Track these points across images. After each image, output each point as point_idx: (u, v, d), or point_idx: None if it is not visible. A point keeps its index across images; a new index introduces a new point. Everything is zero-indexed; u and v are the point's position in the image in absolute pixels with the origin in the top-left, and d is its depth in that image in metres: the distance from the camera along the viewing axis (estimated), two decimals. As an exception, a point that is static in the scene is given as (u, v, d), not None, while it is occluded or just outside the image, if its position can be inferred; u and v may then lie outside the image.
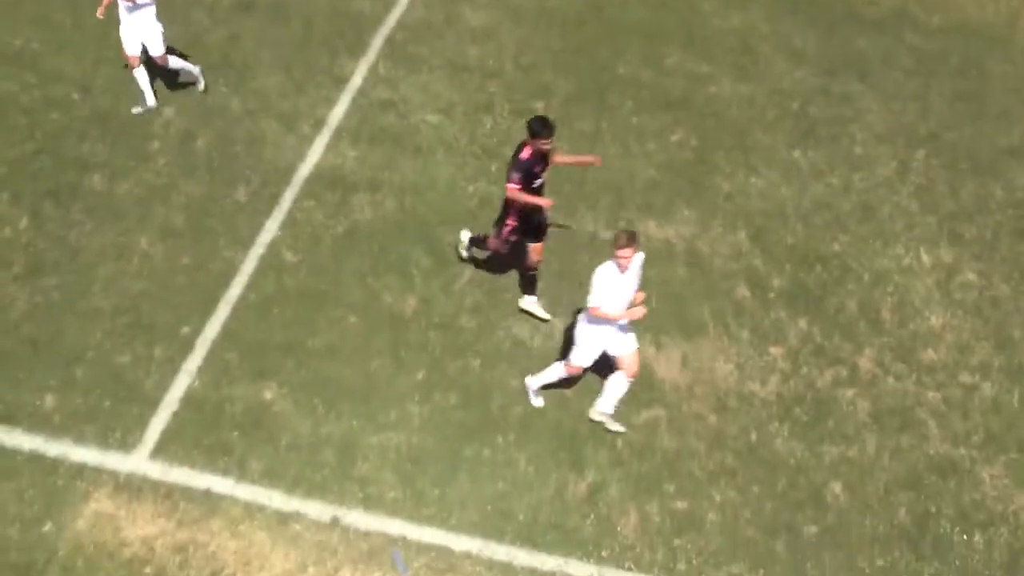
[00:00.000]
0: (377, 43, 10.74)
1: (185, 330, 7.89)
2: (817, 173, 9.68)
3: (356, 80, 10.29)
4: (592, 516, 7.00)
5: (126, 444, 7.15)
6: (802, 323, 8.30)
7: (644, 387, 7.74)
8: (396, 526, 6.85)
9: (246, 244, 8.56)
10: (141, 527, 6.71)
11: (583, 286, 8.31)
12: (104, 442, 7.15)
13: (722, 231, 9.03)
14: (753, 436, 7.53)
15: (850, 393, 7.83)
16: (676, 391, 7.78)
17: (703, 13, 11.66)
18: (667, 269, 8.63)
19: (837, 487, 7.25)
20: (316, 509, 6.90)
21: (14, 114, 9.55)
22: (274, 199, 8.97)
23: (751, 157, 9.79)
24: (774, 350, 8.10)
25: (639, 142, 9.87)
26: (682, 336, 8.16)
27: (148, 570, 6.51)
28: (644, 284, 8.35)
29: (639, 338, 8.01)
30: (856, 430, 7.60)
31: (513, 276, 8.43)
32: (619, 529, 6.94)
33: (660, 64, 10.83)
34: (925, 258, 8.94)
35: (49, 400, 7.37)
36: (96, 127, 9.52)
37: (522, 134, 9.67)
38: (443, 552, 6.75)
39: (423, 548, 6.76)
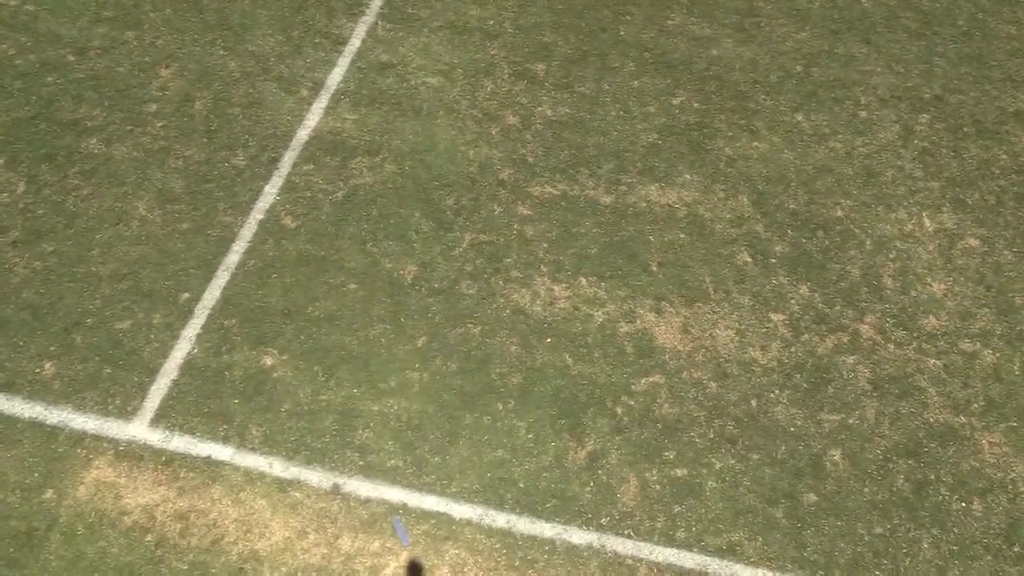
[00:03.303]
0: (376, 3, 10.58)
1: (184, 296, 7.86)
2: (820, 137, 9.58)
3: (355, 42, 10.15)
4: (592, 484, 7.02)
5: (126, 411, 7.16)
6: (803, 289, 8.27)
7: (644, 354, 7.74)
8: (397, 493, 6.88)
9: (245, 209, 8.50)
10: (142, 495, 6.74)
11: (583, 253, 8.32)
12: (104, 409, 7.16)
13: (724, 196, 8.96)
14: (753, 403, 7.54)
15: (851, 360, 7.82)
16: (676, 358, 7.77)
17: (707, -28, 11.46)
18: (668, 234, 8.58)
19: (836, 455, 7.26)
20: (316, 476, 6.92)
21: (9, 78, 9.44)
22: (273, 163, 8.90)
23: (753, 120, 9.69)
24: (775, 317, 8.08)
25: (640, 105, 9.76)
26: (683, 302, 8.13)
27: (149, 538, 6.55)
28: (647, 249, 8.36)
29: (640, 304, 8.01)
30: (856, 397, 7.60)
31: (515, 241, 8.38)
32: (619, 496, 6.97)
33: (662, 25, 10.68)
34: (928, 223, 8.88)
35: (49, 367, 7.37)
36: (92, 90, 9.41)
37: (523, 96, 9.64)
38: (443, 519, 6.79)
39: (423, 515, 6.80)
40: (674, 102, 9.82)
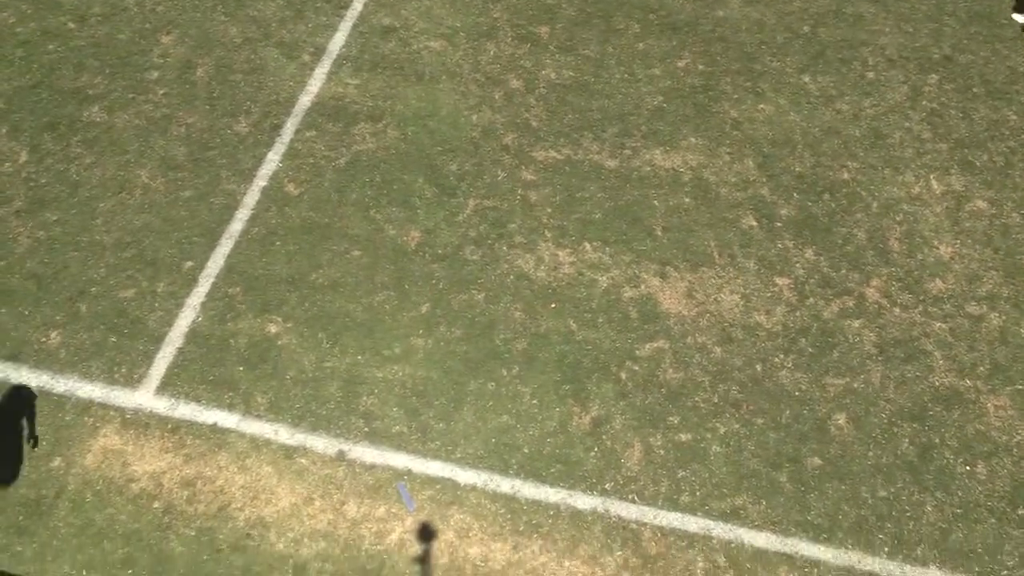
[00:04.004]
0: (377, -34, 10.47)
1: (188, 264, 7.86)
2: (827, 99, 9.47)
3: (356, 6, 10.05)
4: (596, 449, 7.05)
5: (132, 380, 7.20)
6: (809, 253, 8.22)
7: (649, 319, 7.72)
8: (401, 459, 6.92)
9: (248, 176, 8.47)
10: (149, 462, 6.79)
11: (588, 218, 8.27)
12: (110, 378, 7.20)
13: (729, 159, 8.88)
14: (758, 368, 7.53)
15: (856, 324, 7.79)
16: (681, 323, 7.75)
17: (713, -69, 11.29)
18: (673, 198, 8.52)
19: (841, 419, 7.26)
20: (322, 443, 6.96)
21: (10, 46, 9.39)
22: (275, 130, 8.85)
23: (759, 82, 9.58)
24: (780, 280, 8.04)
25: (645, 67, 9.65)
26: (688, 267, 8.10)
27: (157, 505, 6.61)
28: (651, 214, 8.31)
29: (644, 269, 7.98)
30: (861, 361, 7.58)
31: (519, 207, 8.34)
32: (623, 462, 6.99)
33: (668, -14, 10.54)
34: (935, 186, 8.80)
35: (54, 336, 7.40)
36: (94, 58, 9.35)
37: (527, 60, 9.55)
38: (448, 485, 6.82)
39: (428, 481, 6.84)
40: (679, 64, 9.72)
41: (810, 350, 7.64)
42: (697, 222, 8.40)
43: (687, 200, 8.56)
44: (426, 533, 6.61)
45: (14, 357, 7.25)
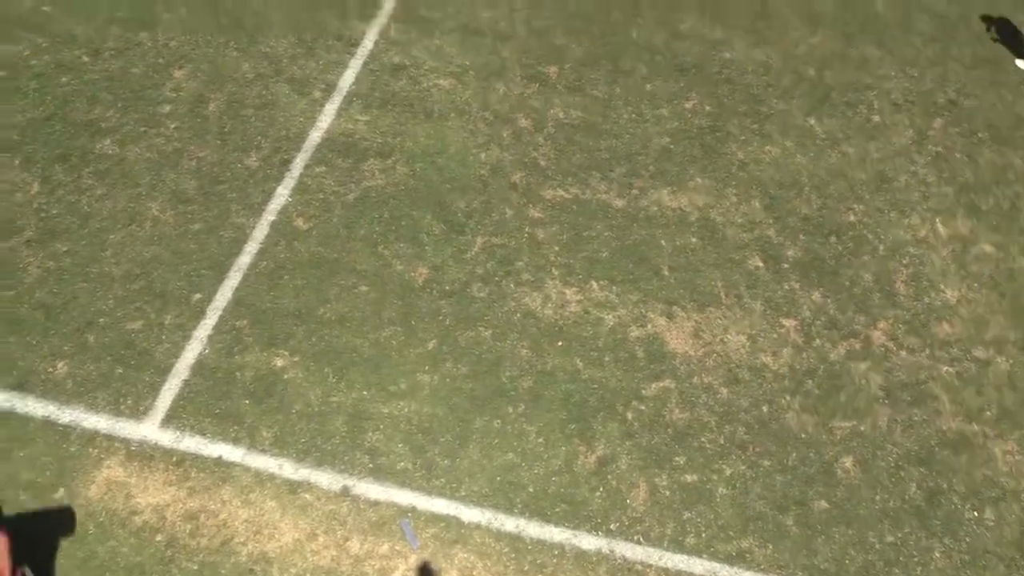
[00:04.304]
0: (388, 5, 10.59)
1: (196, 297, 7.88)
2: (833, 141, 9.55)
3: (367, 44, 10.16)
4: (601, 489, 7.01)
5: (138, 411, 7.19)
6: (816, 295, 8.24)
7: (655, 358, 7.72)
8: (406, 496, 6.88)
9: (257, 210, 8.52)
10: (152, 495, 6.76)
11: (595, 256, 8.31)
12: (116, 409, 7.19)
13: (736, 200, 8.93)
14: (765, 409, 7.51)
15: (863, 367, 7.78)
16: (687, 363, 7.75)
17: (720, -25, 11.45)
18: (680, 238, 8.56)
19: (848, 462, 7.23)
20: (326, 479, 6.93)
21: (25, 79, 9.48)
22: (285, 165, 8.91)
23: (766, 124, 9.66)
24: (787, 322, 8.05)
25: (653, 108, 9.74)
26: (694, 307, 8.11)
27: (159, 538, 6.57)
28: (658, 254, 8.34)
29: (651, 308, 7.99)
30: (868, 404, 7.57)
31: (526, 244, 8.38)
32: (628, 502, 6.96)
33: (675, 28, 10.66)
34: (941, 229, 8.83)
35: (61, 366, 7.40)
36: (107, 91, 9.45)
37: (535, 99, 9.64)
38: (453, 523, 6.78)
39: (433, 519, 6.80)
40: (686, 106, 9.80)
41: (817, 392, 7.63)
42: (704, 262, 8.43)
43: (694, 240, 8.60)
44: (429, 573, 6.56)
45: (21, 386, 7.25)
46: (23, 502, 6.64)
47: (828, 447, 7.31)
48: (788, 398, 7.58)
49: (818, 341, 7.95)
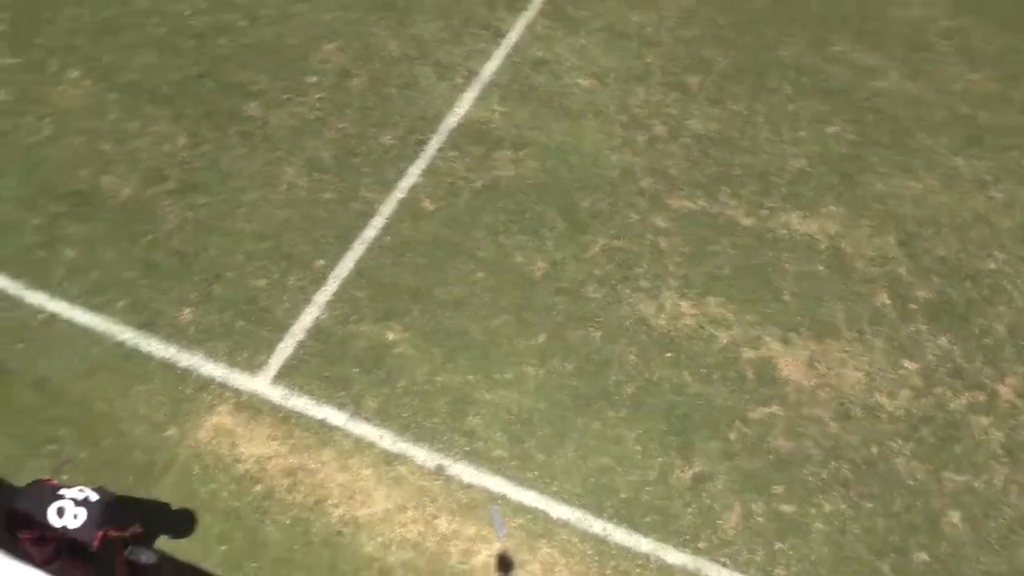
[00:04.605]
0: (537, 0, 10.64)
1: (320, 263, 8.10)
2: (980, 184, 9.15)
3: (512, 36, 10.25)
4: (694, 505, 6.90)
5: (252, 365, 7.43)
6: (943, 340, 7.91)
7: (765, 382, 7.55)
8: (498, 483, 6.91)
9: (388, 187, 8.69)
10: (256, 446, 6.98)
11: (716, 272, 8.18)
12: (232, 360, 7.44)
13: (869, 232, 8.65)
14: (874, 450, 7.26)
15: (984, 421, 7.43)
16: (798, 392, 7.55)
17: (881, 1, 11.10)
18: (806, 264, 8.34)
19: (956, 517, 6.92)
20: (422, 455, 7.02)
21: (184, 37, 9.91)
22: (420, 146, 9.06)
23: (910, 159, 9.33)
24: (909, 364, 7.75)
25: (793, 129, 9.52)
26: (812, 336, 7.89)
27: (258, 488, 6.78)
28: (781, 277, 8.15)
29: (767, 332, 7.82)
30: (985, 460, 7.22)
31: (648, 251, 8.31)
32: (720, 523, 6.82)
33: (826, 50, 10.39)
34: (1087, 289, 8.37)
35: (187, 313, 7.71)
36: (259, 56, 9.79)
37: (674, 108, 9.55)
38: (540, 517, 6.78)
39: (522, 509, 6.81)
40: (828, 130, 9.55)
41: (931, 440, 7.33)
42: (828, 292, 8.19)
43: (820, 268, 8.37)
44: (511, 562, 6.57)
45: (148, 326, 7.59)
46: (137, 436, 6.94)
47: (937, 498, 7.02)
48: (900, 442, 7.30)
49: (940, 388, 7.63)
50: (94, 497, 5.73)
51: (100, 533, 5.68)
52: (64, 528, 5.63)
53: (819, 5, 10.91)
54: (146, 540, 6.37)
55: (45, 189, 8.46)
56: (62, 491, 5.73)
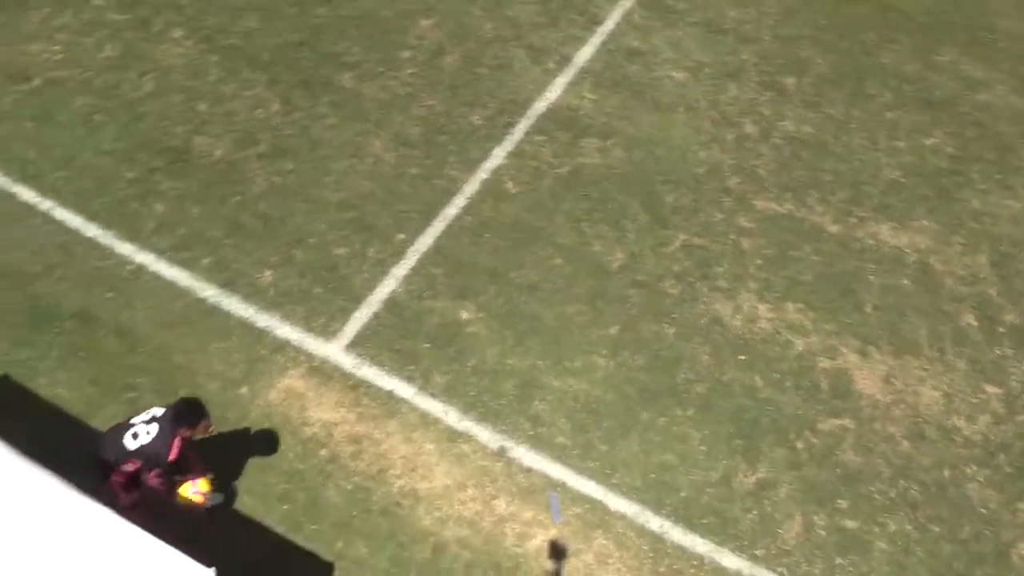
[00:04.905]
0: (638, -11, 10.55)
1: (400, 237, 8.17)
2: (1084, 209, 8.81)
3: (609, 24, 10.16)
4: (755, 512, 6.81)
5: (327, 331, 7.54)
6: (1029, 367, 7.66)
7: (839, 394, 7.40)
8: (559, 471, 6.92)
9: (472, 166, 8.72)
10: (325, 411, 7.10)
11: (797, 278, 8.02)
12: (308, 325, 7.57)
13: (961, 250, 8.39)
14: (946, 473, 7.06)
15: (1066, 454, 7.19)
16: (872, 406, 7.38)
17: (992, 12, 10.73)
18: (892, 278, 8.14)
19: (1028, 549, 6.72)
20: (486, 435, 7.06)
21: (286, 4, 10.06)
22: (507, 128, 9.07)
23: (1011, 177, 9.01)
24: (991, 389, 7.52)
25: (889, 138, 9.27)
26: (892, 351, 7.70)
27: (323, 452, 6.89)
28: (865, 288, 7.96)
29: (845, 343, 7.66)
30: (1064, 494, 6.99)
31: (729, 251, 8.19)
32: (780, 532, 6.72)
33: (930, 60, 10.09)
34: None
35: (268, 275, 7.86)
36: (356, 28, 9.89)
37: (767, 107, 9.38)
38: (598, 507, 6.77)
39: (580, 498, 6.81)
40: (927, 142, 9.27)
41: (1008, 469, 7.10)
42: (912, 307, 7.98)
43: (906, 283, 8.15)
44: (565, 549, 6.57)
45: (229, 285, 7.76)
46: (211, 391, 7.10)
47: (1008, 529, 6.80)
48: (975, 468, 7.09)
49: (1022, 416, 7.38)
50: (160, 411, 5.96)
51: (175, 439, 5.87)
52: (141, 448, 5.83)
53: (925, 13, 10.59)
54: (233, 466, 6.58)
55: (142, 144, 8.70)
56: (132, 420, 5.97)
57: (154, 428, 5.87)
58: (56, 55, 9.38)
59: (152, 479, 5.93)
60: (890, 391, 7.49)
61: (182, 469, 6.03)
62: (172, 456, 5.86)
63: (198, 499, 6.07)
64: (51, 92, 9.06)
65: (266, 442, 6.89)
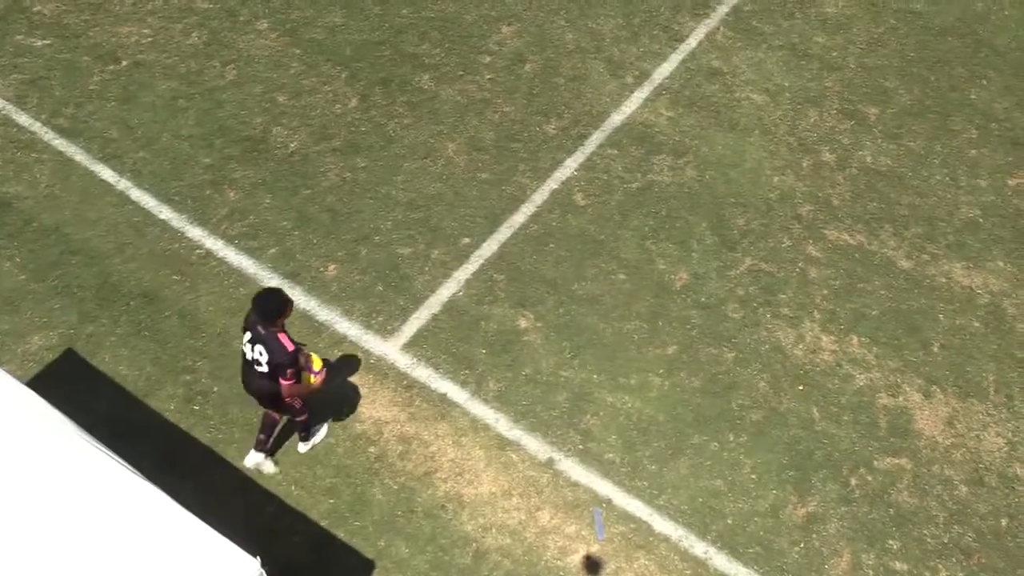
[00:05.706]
0: (723, 9, 10.43)
1: (465, 241, 8.22)
2: None
3: (691, 41, 10.09)
4: (802, 545, 6.69)
5: (385, 330, 7.61)
6: (1100, 421, 7.39)
7: (898, 433, 7.23)
8: (606, 487, 6.88)
9: (542, 176, 8.73)
10: (377, 409, 7.16)
11: (863, 311, 7.85)
12: (367, 322, 7.65)
13: (1037, 296, 8.16)
14: (1003, 522, 6.86)
15: None
16: (932, 448, 7.20)
17: (1089, 54, 10.40)
18: (962, 318, 7.93)
19: (1085, 610, 6.49)
20: (535, 445, 7.05)
21: (371, 3, 10.19)
22: (580, 139, 9.06)
23: (1096, 225, 8.72)
24: (1058, 440, 7.29)
25: (970, 176, 9.03)
26: (956, 393, 7.51)
27: (372, 450, 6.96)
28: (933, 327, 7.77)
29: (908, 381, 7.49)
30: None
31: (795, 279, 8.08)
32: (826, 568, 6.59)
33: (1020, 99, 9.80)
34: None
35: (332, 270, 7.96)
36: (438, 30, 9.97)
37: (846, 136, 9.22)
38: (643, 528, 6.72)
39: (625, 517, 6.76)
40: (1010, 182, 9.02)
41: (1070, 524, 6.88)
42: (981, 350, 7.77)
43: (976, 324, 7.94)
44: (605, 567, 6.53)
45: (294, 276, 7.88)
46: (269, 379, 7.21)
47: (1067, 587, 6.59)
48: (1035, 520, 6.88)
49: (1089, 471, 7.14)
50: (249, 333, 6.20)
51: (281, 334, 6.10)
52: (271, 364, 6.13)
53: (1019, 50, 10.30)
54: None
55: (220, 131, 8.89)
56: (245, 355, 6.28)
57: (259, 343, 6.09)
58: (145, 38, 9.64)
59: (289, 382, 6.16)
60: (951, 434, 7.30)
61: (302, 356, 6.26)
62: (291, 347, 6.08)
63: (319, 380, 6.33)
64: (138, 74, 9.32)
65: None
